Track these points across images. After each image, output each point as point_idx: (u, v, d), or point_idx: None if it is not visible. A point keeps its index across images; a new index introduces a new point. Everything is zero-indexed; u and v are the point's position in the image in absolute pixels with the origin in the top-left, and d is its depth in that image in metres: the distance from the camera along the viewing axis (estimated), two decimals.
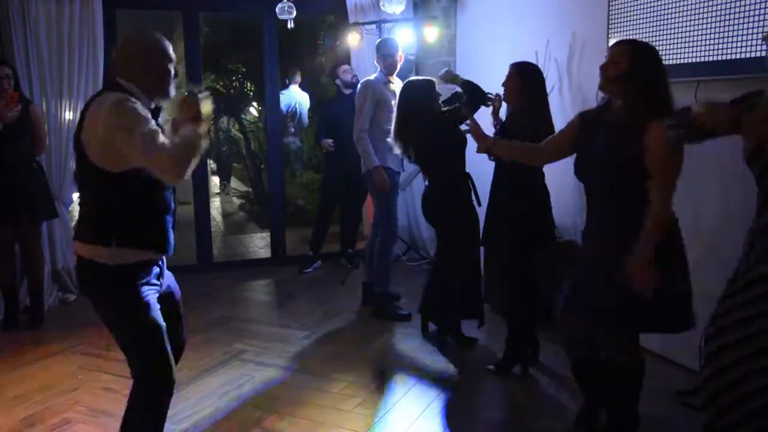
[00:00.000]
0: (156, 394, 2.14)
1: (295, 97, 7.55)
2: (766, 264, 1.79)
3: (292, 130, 7.71)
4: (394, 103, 3.86)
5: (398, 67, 4.30)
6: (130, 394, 2.13)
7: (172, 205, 2.21)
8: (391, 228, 4.21)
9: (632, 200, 2.27)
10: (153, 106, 2.14)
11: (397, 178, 4.35)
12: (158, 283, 2.18)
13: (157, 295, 2.17)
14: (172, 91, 2.16)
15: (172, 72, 2.15)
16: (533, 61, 3.94)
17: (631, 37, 2.37)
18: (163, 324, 2.12)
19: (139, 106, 2.01)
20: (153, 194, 2.12)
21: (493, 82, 3.37)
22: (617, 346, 2.44)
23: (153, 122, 2.00)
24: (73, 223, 5.08)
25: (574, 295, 2.46)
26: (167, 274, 2.29)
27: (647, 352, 3.27)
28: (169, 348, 2.12)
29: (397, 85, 4.17)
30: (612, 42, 3.45)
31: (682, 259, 2.34)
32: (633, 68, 2.24)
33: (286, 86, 7.31)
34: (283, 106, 7.02)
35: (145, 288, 2.09)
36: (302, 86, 7.65)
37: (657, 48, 2.34)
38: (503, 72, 3.18)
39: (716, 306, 1.91)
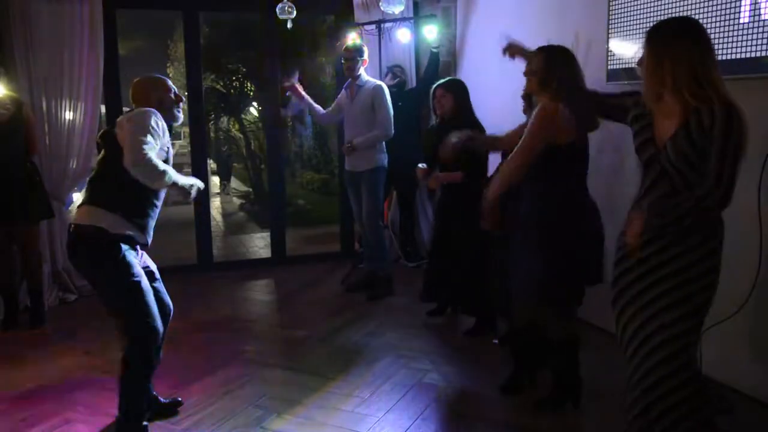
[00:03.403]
0: (147, 348, 2.53)
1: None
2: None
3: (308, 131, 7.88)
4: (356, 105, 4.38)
5: (352, 69, 4.44)
6: (125, 352, 2.52)
7: (159, 205, 2.68)
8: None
9: (536, 184, 2.60)
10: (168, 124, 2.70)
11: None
12: (138, 258, 2.64)
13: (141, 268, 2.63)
14: (179, 115, 2.77)
15: (173, 99, 2.73)
16: None
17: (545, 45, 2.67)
18: (150, 288, 2.58)
19: (161, 124, 2.54)
20: (150, 193, 2.60)
21: (492, 82, 3.38)
22: (548, 318, 2.70)
23: (163, 140, 2.54)
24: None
25: (507, 276, 2.85)
26: (145, 255, 2.76)
27: None
28: (155, 309, 2.55)
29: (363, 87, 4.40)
30: (612, 41, 3.46)
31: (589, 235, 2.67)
32: (548, 73, 2.53)
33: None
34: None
35: (130, 256, 2.52)
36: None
37: None
38: (503, 72, 3.18)
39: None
